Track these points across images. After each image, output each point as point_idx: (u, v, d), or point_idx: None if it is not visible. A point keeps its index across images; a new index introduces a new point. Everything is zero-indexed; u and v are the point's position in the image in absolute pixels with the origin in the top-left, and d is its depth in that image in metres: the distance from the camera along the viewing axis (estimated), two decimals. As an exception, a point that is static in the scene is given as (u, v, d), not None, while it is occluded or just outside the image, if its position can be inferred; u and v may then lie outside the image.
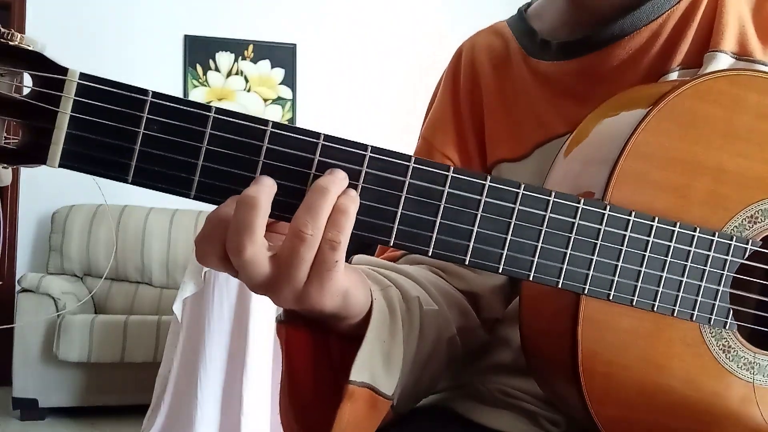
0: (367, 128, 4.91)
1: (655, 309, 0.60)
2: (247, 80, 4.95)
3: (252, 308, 2.56)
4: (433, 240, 0.55)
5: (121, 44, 4.69)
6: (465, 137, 0.86)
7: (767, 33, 0.77)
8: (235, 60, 4.93)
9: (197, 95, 4.82)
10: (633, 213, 0.59)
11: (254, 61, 4.97)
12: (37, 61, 0.49)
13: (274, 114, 4.96)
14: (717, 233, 0.61)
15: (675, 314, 0.61)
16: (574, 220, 0.57)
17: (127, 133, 0.50)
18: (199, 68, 4.87)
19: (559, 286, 0.58)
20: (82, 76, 0.49)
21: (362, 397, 0.60)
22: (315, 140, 0.53)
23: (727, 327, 0.63)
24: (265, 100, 4.98)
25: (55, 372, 3.79)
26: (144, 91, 0.50)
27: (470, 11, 5.14)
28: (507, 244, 0.56)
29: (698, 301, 0.61)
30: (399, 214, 0.54)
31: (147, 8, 4.79)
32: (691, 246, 0.61)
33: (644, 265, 0.59)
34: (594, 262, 0.58)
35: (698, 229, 0.61)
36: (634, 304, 0.60)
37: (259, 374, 2.56)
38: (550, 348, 0.65)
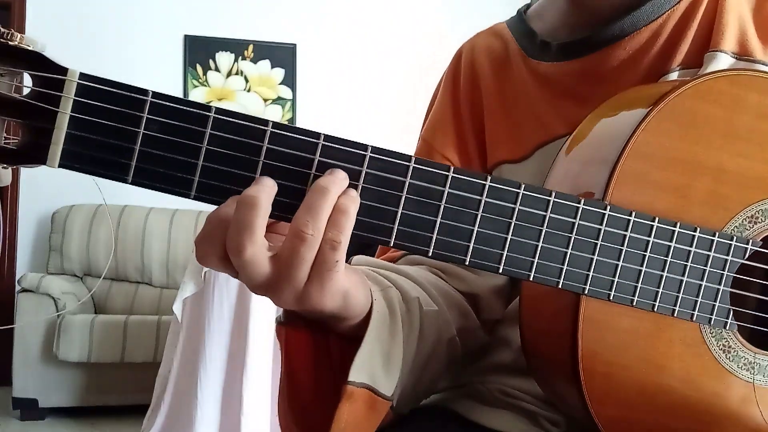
0: (367, 128, 4.91)
1: (655, 309, 0.60)
2: (247, 80, 4.95)
3: (252, 308, 2.56)
4: (434, 240, 0.55)
5: (121, 44, 4.69)
6: (465, 138, 0.86)
7: (767, 33, 0.77)
8: (235, 60, 4.93)
9: (197, 95, 4.82)
10: (633, 213, 0.59)
11: (254, 61, 4.97)
12: (37, 61, 0.49)
13: (274, 114, 4.96)
14: (717, 233, 0.61)
15: (675, 314, 0.61)
16: (574, 221, 0.57)
17: (127, 133, 0.50)
18: (199, 68, 4.87)
19: (560, 286, 0.58)
20: (82, 76, 0.49)
21: (361, 397, 0.60)
22: (315, 140, 0.53)
23: (727, 327, 0.63)
24: (265, 100, 4.98)
25: (55, 372, 3.79)
26: (144, 91, 0.50)
27: (470, 11, 5.14)
28: (507, 245, 0.56)
29: (698, 302, 0.61)
30: (399, 214, 0.54)
31: (147, 8, 4.79)
32: (691, 246, 0.61)
33: (644, 265, 0.59)
34: (594, 263, 0.58)
35: (698, 229, 0.61)
36: (634, 304, 0.60)
37: (259, 374, 2.56)
38: (551, 348, 0.65)
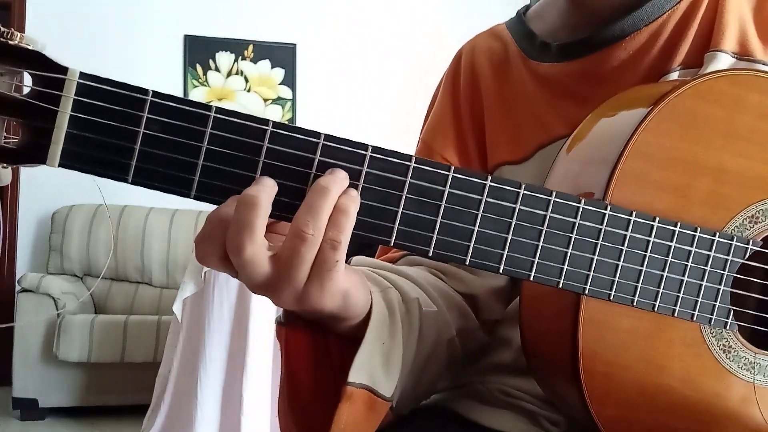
0: (367, 128, 4.91)
1: (655, 309, 0.60)
2: (247, 80, 4.95)
3: (252, 308, 2.56)
4: (434, 240, 0.55)
5: (121, 44, 4.69)
6: (465, 140, 0.86)
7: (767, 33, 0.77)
8: (235, 60, 4.94)
9: (197, 95, 4.82)
10: (634, 213, 0.59)
11: (254, 61, 4.97)
12: (37, 61, 0.49)
13: (274, 114, 4.96)
14: (718, 233, 0.61)
15: (675, 314, 0.61)
16: (574, 220, 0.57)
17: (127, 132, 0.50)
18: (199, 68, 4.87)
19: (560, 286, 0.58)
20: (82, 75, 0.49)
21: (360, 398, 0.60)
22: (315, 140, 0.53)
23: (727, 327, 0.63)
24: (265, 100, 4.98)
25: (55, 372, 3.79)
26: (144, 91, 0.50)
27: (470, 11, 5.14)
28: (508, 244, 0.56)
29: (699, 302, 0.61)
30: (399, 213, 0.54)
31: (147, 8, 4.79)
32: (691, 246, 0.60)
33: (645, 265, 0.59)
34: (595, 262, 0.58)
35: (699, 229, 0.61)
36: (634, 304, 0.60)
37: (259, 374, 2.56)
38: (551, 348, 0.65)
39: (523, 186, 0.56)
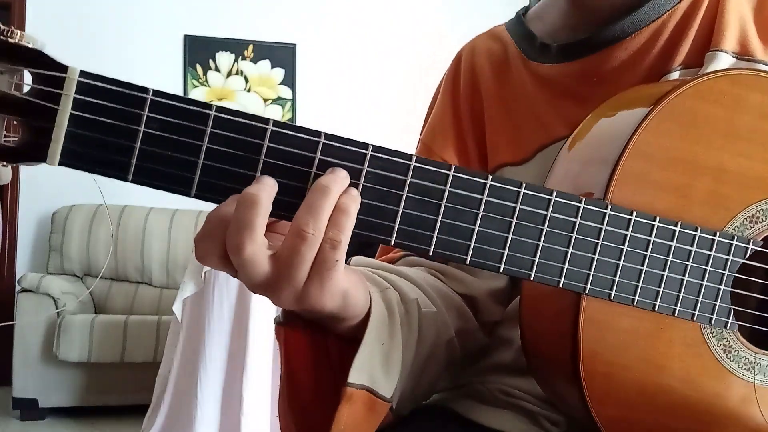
0: (367, 128, 4.91)
1: (656, 309, 0.60)
2: (247, 80, 4.96)
3: (252, 308, 2.56)
4: (434, 239, 0.55)
5: (121, 44, 4.69)
6: (465, 142, 0.86)
7: None
8: (235, 60, 4.94)
9: (197, 95, 4.82)
10: (634, 212, 0.59)
11: (254, 61, 4.97)
12: (37, 59, 0.49)
13: (274, 114, 4.96)
14: (718, 233, 0.61)
15: (676, 314, 0.61)
16: (575, 220, 0.57)
17: (127, 131, 0.50)
18: (199, 68, 4.87)
19: (560, 285, 0.58)
20: (83, 73, 0.49)
21: (360, 399, 0.60)
22: (316, 139, 0.53)
23: (728, 327, 0.63)
24: (265, 100, 4.98)
25: (55, 372, 3.79)
26: (144, 89, 0.50)
27: (470, 11, 5.14)
28: (508, 244, 0.56)
29: (699, 301, 0.61)
30: (400, 213, 0.54)
31: (147, 8, 4.79)
32: (692, 246, 0.60)
33: (645, 265, 0.59)
34: (595, 262, 0.58)
35: (699, 229, 0.61)
36: (635, 303, 0.60)
37: (259, 374, 2.56)
38: (551, 348, 0.65)
39: (524, 185, 0.56)
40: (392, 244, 0.54)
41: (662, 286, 0.60)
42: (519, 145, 0.82)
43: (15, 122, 0.49)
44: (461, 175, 0.55)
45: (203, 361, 2.62)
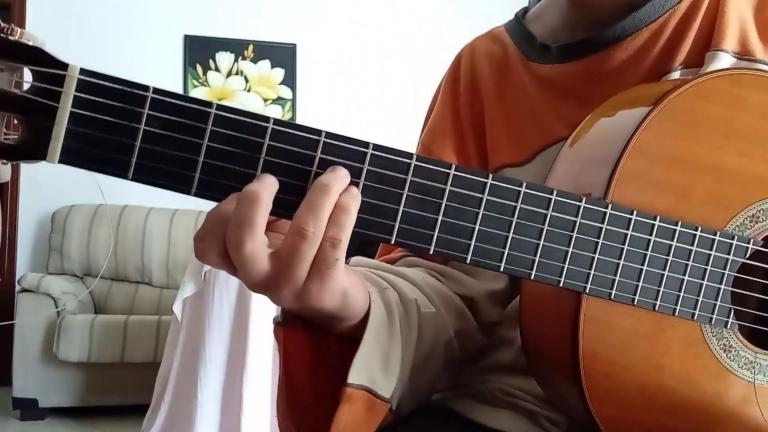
0: (367, 128, 4.91)
1: (656, 308, 0.60)
2: (247, 80, 4.96)
3: (252, 308, 2.56)
4: (435, 238, 0.55)
5: (121, 44, 4.69)
6: (465, 143, 0.86)
7: None
8: (235, 60, 4.94)
9: (197, 95, 4.79)
10: (635, 212, 0.59)
11: (254, 61, 4.97)
12: (37, 57, 0.49)
13: (274, 114, 4.95)
14: (719, 232, 0.61)
15: (676, 313, 0.61)
16: (576, 219, 0.57)
17: (127, 129, 0.50)
18: (199, 68, 4.87)
19: (561, 285, 0.58)
20: (83, 71, 0.49)
21: (360, 399, 0.59)
22: (317, 137, 0.53)
23: (728, 326, 0.63)
24: (265, 100, 4.98)
25: (55, 372, 3.79)
26: (145, 87, 0.50)
27: (470, 11, 5.14)
28: (509, 243, 0.56)
29: (699, 301, 0.61)
30: (400, 212, 0.54)
31: (147, 8, 4.79)
32: (692, 245, 0.60)
33: (646, 264, 0.59)
34: (595, 261, 0.58)
35: (700, 228, 0.61)
36: (635, 303, 0.60)
37: (259, 374, 2.56)
38: (551, 348, 0.65)
39: (524, 184, 0.56)
40: (393, 242, 0.54)
41: (663, 285, 0.60)
42: (520, 146, 0.82)
43: (15, 120, 0.49)
44: (462, 174, 0.55)
45: (203, 361, 2.62)
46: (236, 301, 2.63)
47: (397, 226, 0.54)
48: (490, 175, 0.55)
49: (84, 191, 4.26)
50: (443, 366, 0.75)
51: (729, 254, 0.62)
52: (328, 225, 0.51)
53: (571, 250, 0.57)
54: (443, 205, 0.55)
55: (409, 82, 5.04)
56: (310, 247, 0.51)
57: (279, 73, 5.01)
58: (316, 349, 0.62)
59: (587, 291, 0.58)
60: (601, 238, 0.58)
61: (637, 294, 0.59)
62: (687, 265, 0.61)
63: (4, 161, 0.49)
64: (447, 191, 0.55)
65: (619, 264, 0.59)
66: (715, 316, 0.62)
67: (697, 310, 0.61)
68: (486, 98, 0.86)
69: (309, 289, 0.53)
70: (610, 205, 0.58)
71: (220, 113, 0.51)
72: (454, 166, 0.55)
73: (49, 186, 4.38)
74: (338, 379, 0.60)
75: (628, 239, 0.59)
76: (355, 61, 5.12)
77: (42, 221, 4.50)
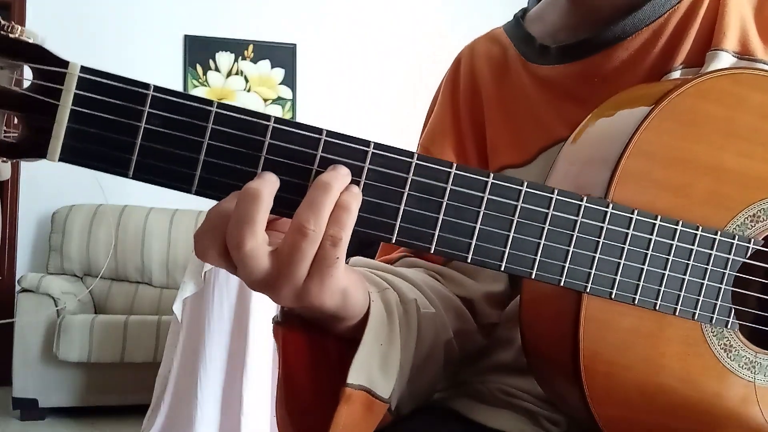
0: (367, 128, 4.91)
1: (657, 308, 0.60)
2: (247, 80, 4.96)
3: (252, 308, 2.56)
4: (436, 237, 0.55)
5: (121, 44, 4.69)
6: (465, 145, 0.86)
7: None
8: (235, 60, 4.94)
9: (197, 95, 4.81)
10: (636, 211, 0.59)
11: (254, 61, 4.97)
12: (37, 54, 0.48)
13: (274, 114, 4.95)
14: (719, 232, 0.61)
15: (677, 313, 0.61)
16: (576, 218, 0.57)
17: (128, 127, 0.50)
18: (199, 68, 4.87)
19: (562, 284, 0.58)
20: (84, 69, 0.49)
21: (359, 399, 0.59)
22: (317, 136, 0.53)
23: (728, 326, 0.63)
24: (265, 100, 4.98)
25: (55, 372, 3.79)
26: (145, 85, 0.50)
27: (470, 11, 5.14)
28: (509, 242, 0.56)
29: (700, 300, 0.61)
30: (401, 210, 0.54)
31: (147, 8, 4.79)
32: (693, 244, 0.60)
33: (646, 264, 0.59)
34: (596, 260, 0.58)
35: (701, 228, 0.60)
36: (636, 302, 0.60)
37: (259, 374, 2.56)
38: (552, 347, 0.65)
39: (525, 183, 0.56)
40: (393, 241, 0.54)
41: (663, 285, 0.60)
42: (520, 147, 0.82)
43: (15, 118, 0.49)
44: (463, 173, 0.55)
45: (203, 361, 2.62)
46: (236, 301, 2.63)
47: (398, 225, 0.54)
48: (491, 174, 0.55)
49: (84, 191, 4.26)
50: (443, 366, 0.75)
51: (730, 254, 0.62)
52: (328, 223, 0.51)
53: (572, 249, 0.57)
54: (444, 204, 0.55)
55: (409, 82, 5.04)
56: (310, 246, 0.51)
57: (279, 73, 5.01)
58: (316, 349, 0.62)
59: (588, 290, 0.58)
60: (602, 238, 0.58)
61: (638, 293, 0.59)
62: (688, 264, 0.60)
63: (4, 159, 0.49)
64: (448, 190, 0.55)
65: (619, 263, 0.59)
66: (715, 316, 0.62)
67: (698, 309, 0.61)
68: (486, 100, 0.86)
69: (309, 287, 0.53)
70: (611, 205, 0.58)
71: (221, 111, 0.51)
72: (455, 165, 0.55)
73: (49, 186, 4.38)
74: (337, 379, 0.60)
75: (628, 239, 0.59)
76: (355, 61, 5.12)
77: (42, 221, 4.50)
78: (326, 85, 5.07)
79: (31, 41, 0.48)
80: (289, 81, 5.02)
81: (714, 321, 0.62)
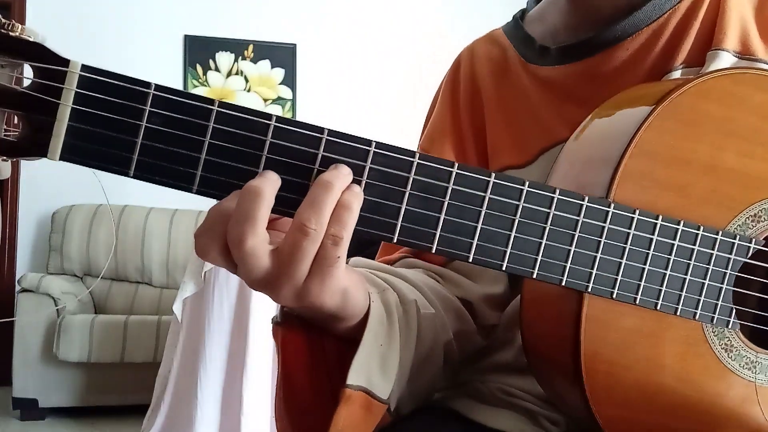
0: (367, 128, 4.91)
1: (658, 307, 0.60)
2: (247, 80, 4.96)
3: (252, 308, 2.56)
4: (437, 237, 0.55)
5: (121, 44, 4.69)
6: (464, 147, 0.86)
7: None
8: (235, 60, 4.94)
9: (197, 95, 4.81)
10: (637, 211, 0.59)
11: (254, 61, 4.97)
12: (38, 53, 0.48)
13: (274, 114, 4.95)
14: (721, 232, 0.61)
15: (678, 313, 0.61)
16: (578, 218, 0.57)
17: (129, 126, 0.50)
18: (199, 68, 4.87)
19: (563, 284, 0.58)
20: (84, 68, 0.49)
21: (358, 400, 0.59)
22: (319, 135, 0.53)
23: (729, 326, 0.63)
24: (265, 100, 4.98)
25: (55, 372, 3.79)
26: (146, 84, 0.50)
27: (470, 11, 5.14)
28: (511, 242, 0.56)
29: (701, 300, 0.61)
30: (403, 210, 0.54)
31: (147, 8, 4.79)
32: (694, 244, 0.60)
33: (648, 264, 0.59)
34: (598, 260, 0.58)
35: (702, 228, 0.60)
36: (637, 302, 0.59)
37: (259, 374, 2.56)
38: (552, 347, 0.65)
39: (527, 183, 0.56)
40: (395, 241, 0.54)
41: (664, 284, 0.60)
42: (521, 148, 0.82)
43: (15, 117, 0.49)
44: (465, 172, 0.55)
45: (203, 361, 2.62)
46: (236, 301, 2.63)
47: (399, 225, 0.54)
48: (493, 174, 0.55)
49: (84, 191, 4.26)
50: (442, 367, 0.75)
51: (731, 254, 0.62)
52: (330, 222, 0.51)
53: (573, 248, 0.57)
54: (446, 203, 0.55)
55: (409, 82, 5.04)
56: (311, 244, 0.51)
57: (279, 73, 5.01)
58: (315, 350, 0.62)
59: (589, 290, 0.58)
60: (604, 237, 0.58)
61: (639, 293, 0.59)
62: (689, 264, 0.60)
63: (5, 158, 0.49)
64: (450, 189, 0.55)
65: (621, 263, 0.59)
66: (716, 316, 0.62)
67: (699, 309, 0.61)
68: (486, 101, 0.86)
69: (309, 287, 0.53)
70: (612, 204, 0.58)
71: (223, 110, 0.51)
72: (456, 165, 0.55)
73: (49, 186, 4.38)
74: (337, 379, 0.60)
75: (630, 238, 0.59)
76: (355, 61, 5.12)
77: (42, 221, 4.50)
78: (326, 85, 5.07)
79: (31, 39, 0.48)
80: (289, 81, 5.02)
81: (715, 321, 0.62)
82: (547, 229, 0.57)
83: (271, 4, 5.00)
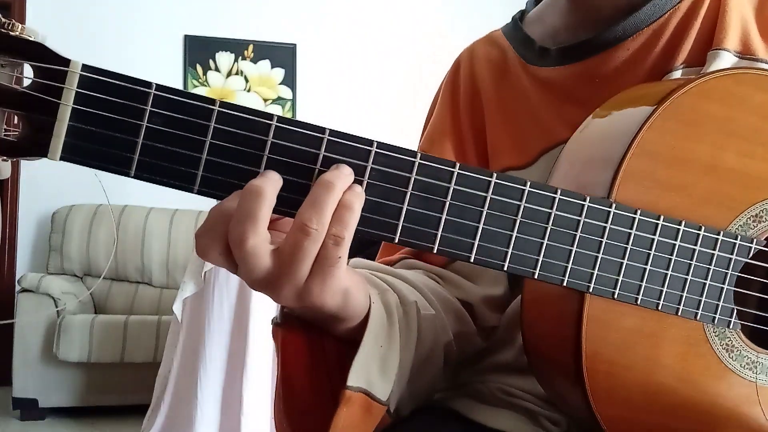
0: (367, 128, 4.91)
1: (659, 308, 0.60)
2: (247, 80, 4.95)
3: (252, 308, 2.56)
4: (439, 237, 0.55)
5: (121, 44, 4.69)
6: (464, 149, 0.86)
7: None
8: (235, 60, 4.94)
9: (197, 95, 4.81)
10: (639, 211, 0.59)
11: (254, 61, 4.97)
12: (38, 53, 0.48)
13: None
14: (722, 232, 0.61)
15: (679, 313, 0.61)
16: (579, 218, 0.57)
17: (130, 126, 0.50)
18: (199, 68, 4.87)
19: (564, 284, 0.58)
20: (85, 67, 0.49)
21: (357, 401, 0.59)
22: (320, 135, 0.52)
23: (731, 326, 0.63)
24: (265, 100, 4.98)
25: (55, 372, 3.79)
26: (147, 84, 0.50)
27: (470, 11, 5.14)
28: (512, 242, 0.56)
29: (702, 301, 0.61)
30: (404, 210, 0.54)
31: (147, 8, 4.79)
32: (696, 245, 0.60)
33: (649, 264, 0.59)
34: (599, 260, 0.58)
35: (703, 228, 0.60)
36: (638, 302, 0.59)
37: (259, 374, 2.56)
38: (553, 347, 0.65)
39: (528, 183, 0.56)
40: (396, 241, 0.54)
41: (666, 285, 0.60)
42: (522, 149, 0.82)
43: (15, 117, 0.49)
44: (466, 173, 0.55)
45: (203, 361, 2.62)
46: (236, 301, 2.63)
47: (401, 225, 0.54)
48: (495, 174, 0.55)
49: (84, 191, 4.26)
50: (442, 368, 0.75)
51: (732, 254, 0.62)
52: (331, 223, 0.51)
53: (574, 249, 0.57)
54: (447, 203, 0.55)
55: (409, 82, 5.04)
56: (312, 244, 0.51)
57: (279, 73, 5.01)
58: (315, 351, 0.62)
59: (591, 290, 0.58)
60: (605, 238, 0.58)
61: (641, 293, 0.59)
62: (690, 264, 0.60)
63: (5, 158, 0.49)
64: (451, 190, 0.54)
65: (622, 263, 0.58)
66: (717, 316, 0.62)
67: (700, 309, 0.61)
68: (486, 102, 0.86)
69: (310, 287, 0.53)
70: (614, 205, 0.58)
71: (224, 110, 0.51)
72: (458, 165, 0.55)
73: (49, 186, 4.38)
74: (336, 380, 0.60)
75: (631, 239, 0.58)
76: (355, 61, 5.12)
77: (42, 221, 4.50)
78: (326, 85, 5.07)
79: (32, 39, 0.48)
80: (289, 81, 5.02)
81: (716, 321, 0.62)
82: (549, 229, 0.57)
83: (271, 4, 5.00)
